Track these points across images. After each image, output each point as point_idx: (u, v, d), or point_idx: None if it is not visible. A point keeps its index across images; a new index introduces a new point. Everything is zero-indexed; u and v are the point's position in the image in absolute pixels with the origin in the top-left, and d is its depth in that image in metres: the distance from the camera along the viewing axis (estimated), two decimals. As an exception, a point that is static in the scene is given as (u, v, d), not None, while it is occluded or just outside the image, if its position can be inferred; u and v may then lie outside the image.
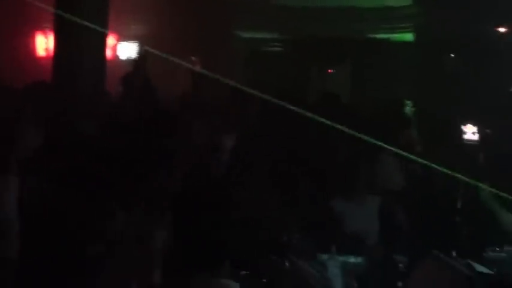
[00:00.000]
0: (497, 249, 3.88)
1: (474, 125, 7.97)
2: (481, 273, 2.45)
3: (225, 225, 2.17)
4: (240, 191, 3.65)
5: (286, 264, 3.61)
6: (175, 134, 2.53)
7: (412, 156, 3.84)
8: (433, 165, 3.18)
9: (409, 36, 10.50)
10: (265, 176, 4.57)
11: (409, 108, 8.61)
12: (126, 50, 9.21)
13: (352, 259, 4.44)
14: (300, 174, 5.17)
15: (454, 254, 3.77)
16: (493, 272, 2.60)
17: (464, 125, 8.00)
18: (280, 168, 4.87)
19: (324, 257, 4.30)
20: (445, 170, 3.26)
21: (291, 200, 4.87)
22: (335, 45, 10.76)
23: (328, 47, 10.70)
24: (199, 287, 2.09)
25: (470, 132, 7.96)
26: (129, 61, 8.34)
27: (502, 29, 9.03)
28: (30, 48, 9.00)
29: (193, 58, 9.02)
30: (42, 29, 8.68)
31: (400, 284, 3.52)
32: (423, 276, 2.66)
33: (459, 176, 3.55)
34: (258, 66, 10.37)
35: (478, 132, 7.92)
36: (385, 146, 3.39)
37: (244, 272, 3.14)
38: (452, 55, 11.05)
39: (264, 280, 3.46)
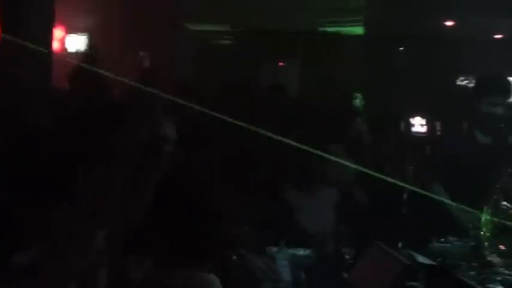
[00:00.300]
0: (442, 240, 3.97)
1: (422, 117, 8.12)
2: (422, 263, 2.50)
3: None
4: (188, 185, 3.62)
5: (234, 257, 3.61)
6: (119, 130, 2.50)
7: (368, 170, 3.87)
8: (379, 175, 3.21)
9: (359, 30, 10.59)
10: (214, 171, 4.56)
11: (359, 100, 8.71)
12: (75, 43, 9.09)
13: (301, 251, 4.47)
14: (251, 167, 5.19)
15: (399, 245, 3.84)
16: (434, 263, 2.65)
17: (413, 117, 8.15)
18: (230, 162, 4.87)
19: (273, 249, 4.32)
20: (392, 180, 3.30)
21: (240, 193, 4.88)
22: (286, 38, 10.79)
23: (279, 40, 10.73)
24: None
25: (418, 124, 8.11)
26: (77, 54, 8.24)
27: (450, 23, 9.18)
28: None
29: (141, 53, 8.96)
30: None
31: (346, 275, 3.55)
32: (365, 266, 2.70)
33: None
34: (208, 59, 10.34)
35: (426, 125, 8.07)
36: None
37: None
38: (401, 48, 11.19)
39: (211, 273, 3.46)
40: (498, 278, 3.26)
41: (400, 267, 2.42)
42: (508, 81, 4.76)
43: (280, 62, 11.43)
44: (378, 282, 2.46)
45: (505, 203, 3.73)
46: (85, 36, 8.93)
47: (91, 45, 8.11)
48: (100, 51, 6.47)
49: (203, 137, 5.09)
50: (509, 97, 4.65)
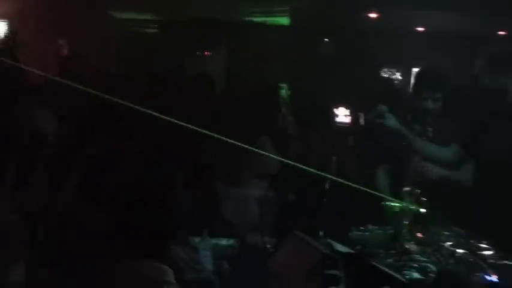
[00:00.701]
0: (362, 228, 4.05)
1: (346, 108, 8.19)
2: (340, 251, 2.53)
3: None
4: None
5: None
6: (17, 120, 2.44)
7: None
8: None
9: (284, 20, 10.63)
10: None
11: (285, 91, 8.74)
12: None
13: (224, 241, 4.50)
14: (174, 158, 5.16)
15: (321, 233, 3.89)
16: (352, 251, 2.70)
17: (337, 108, 8.21)
18: (156, 154, 4.84)
19: (196, 240, 4.33)
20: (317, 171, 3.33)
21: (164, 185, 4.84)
22: (212, 28, 10.71)
23: (204, 30, 10.65)
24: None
25: (342, 115, 8.17)
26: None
27: (373, 15, 9.32)
28: None
29: (60, 41, 8.74)
30: None
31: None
32: (283, 255, 2.73)
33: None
34: (133, 48, 10.17)
35: (350, 115, 8.13)
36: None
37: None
38: (326, 39, 11.30)
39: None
40: (414, 265, 3.35)
41: (317, 256, 2.45)
42: (437, 76, 4.88)
43: (207, 52, 11.34)
44: (296, 271, 2.49)
45: (418, 191, 3.83)
46: (3, 23, 8.67)
47: (9, 31, 7.86)
48: (18, 39, 6.29)
49: (128, 130, 5.04)
50: (438, 91, 4.75)
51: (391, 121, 4.45)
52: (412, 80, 5.04)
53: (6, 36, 7.39)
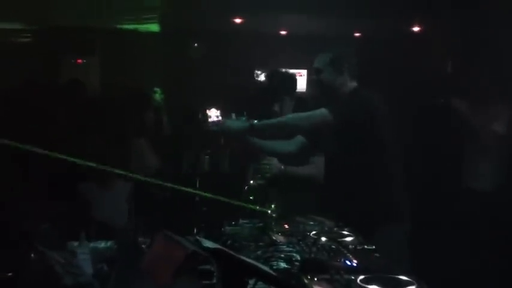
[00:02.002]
0: (234, 223, 4.23)
1: (217, 109, 8.41)
2: (208, 247, 2.64)
3: None
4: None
5: (32, 255, 3.62)
6: None
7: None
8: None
9: (154, 27, 10.73)
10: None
11: (158, 95, 8.85)
12: None
13: (102, 244, 4.56)
14: (43, 163, 5.17)
15: (194, 231, 4.04)
16: (219, 246, 2.80)
17: (209, 109, 8.42)
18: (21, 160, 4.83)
19: (74, 244, 4.37)
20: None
21: (38, 190, 4.87)
22: (83, 35, 10.66)
23: (76, 38, 10.57)
24: None
25: (214, 116, 8.39)
26: None
27: (238, 20, 9.57)
28: None
29: None
30: None
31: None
32: (153, 254, 2.82)
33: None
34: (4, 57, 9.92)
35: (221, 116, 8.35)
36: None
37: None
38: (196, 44, 11.49)
39: (9, 274, 3.44)
40: (281, 255, 3.51)
41: (183, 253, 2.53)
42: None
43: (79, 60, 11.24)
44: (164, 270, 2.57)
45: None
46: None
47: None
48: None
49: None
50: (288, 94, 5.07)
51: (234, 124, 4.68)
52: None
53: None
